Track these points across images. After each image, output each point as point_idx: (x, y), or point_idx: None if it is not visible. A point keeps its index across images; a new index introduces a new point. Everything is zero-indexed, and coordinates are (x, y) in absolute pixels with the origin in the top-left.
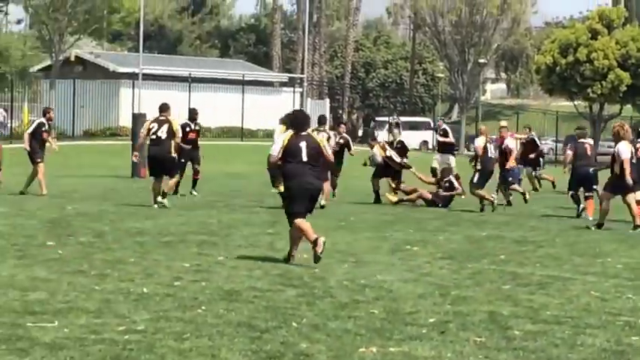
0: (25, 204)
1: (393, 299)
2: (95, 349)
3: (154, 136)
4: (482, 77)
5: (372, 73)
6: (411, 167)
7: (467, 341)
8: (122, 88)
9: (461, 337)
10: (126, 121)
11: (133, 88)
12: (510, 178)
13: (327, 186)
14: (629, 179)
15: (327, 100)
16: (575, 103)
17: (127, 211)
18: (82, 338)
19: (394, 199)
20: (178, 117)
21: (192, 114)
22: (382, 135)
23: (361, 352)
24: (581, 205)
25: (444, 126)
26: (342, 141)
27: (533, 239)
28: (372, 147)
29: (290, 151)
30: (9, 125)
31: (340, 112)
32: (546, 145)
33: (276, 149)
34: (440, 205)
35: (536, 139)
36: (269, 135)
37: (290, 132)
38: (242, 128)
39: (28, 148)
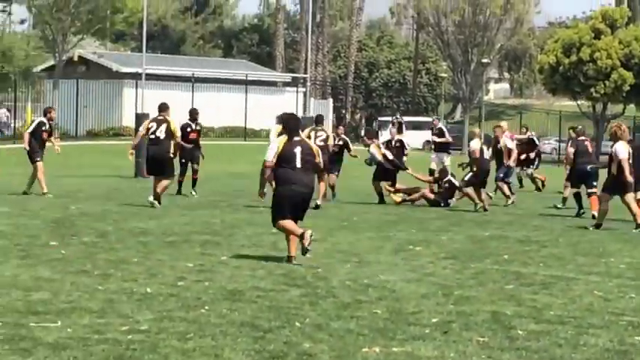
0: (28, 204)
1: (395, 299)
2: (98, 349)
3: (152, 136)
4: (485, 77)
5: (375, 73)
6: (407, 169)
7: (470, 341)
8: (125, 88)
9: (464, 337)
10: (129, 121)
11: (136, 88)
12: (502, 175)
13: (322, 185)
14: (630, 178)
15: (331, 100)
16: (579, 102)
17: (130, 211)
18: (85, 338)
19: (398, 199)
20: (181, 117)
21: (193, 114)
22: (386, 135)
23: (364, 352)
24: (582, 210)
25: (440, 125)
26: (341, 142)
27: (536, 239)
28: (366, 146)
29: (284, 157)
30: (12, 125)
31: (343, 111)
32: (549, 145)
33: (271, 155)
34: (442, 205)
35: (535, 138)
36: None
37: (284, 137)
38: (245, 128)
39: (27, 148)
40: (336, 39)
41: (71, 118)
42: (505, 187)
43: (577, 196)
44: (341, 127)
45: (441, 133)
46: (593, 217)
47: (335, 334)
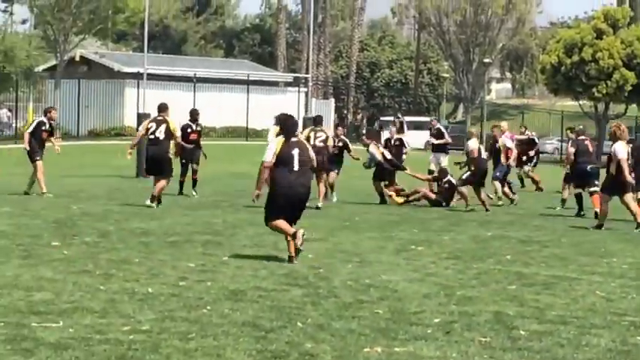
0: (30, 204)
1: (397, 299)
2: (100, 349)
3: (152, 136)
4: (487, 77)
5: (377, 73)
6: (406, 169)
7: (472, 341)
8: (127, 88)
9: (466, 337)
10: (131, 121)
11: (138, 88)
12: (498, 173)
13: (322, 187)
14: (629, 178)
15: (332, 100)
16: (581, 102)
17: (132, 211)
18: (87, 338)
19: (400, 200)
20: (182, 117)
21: (194, 115)
22: (387, 134)
23: (366, 352)
24: (582, 212)
25: (438, 125)
26: (340, 144)
27: (538, 239)
28: (365, 145)
29: (282, 159)
30: (14, 125)
31: (345, 112)
32: (551, 144)
33: (269, 155)
34: (443, 205)
35: (535, 138)
36: None
37: (282, 138)
38: (247, 128)
39: (27, 147)
40: (338, 39)
41: (73, 118)
42: (498, 186)
43: (578, 197)
44: (340, 129)
45: (439, 134)
46: (596, 214)
47: (337, 334)
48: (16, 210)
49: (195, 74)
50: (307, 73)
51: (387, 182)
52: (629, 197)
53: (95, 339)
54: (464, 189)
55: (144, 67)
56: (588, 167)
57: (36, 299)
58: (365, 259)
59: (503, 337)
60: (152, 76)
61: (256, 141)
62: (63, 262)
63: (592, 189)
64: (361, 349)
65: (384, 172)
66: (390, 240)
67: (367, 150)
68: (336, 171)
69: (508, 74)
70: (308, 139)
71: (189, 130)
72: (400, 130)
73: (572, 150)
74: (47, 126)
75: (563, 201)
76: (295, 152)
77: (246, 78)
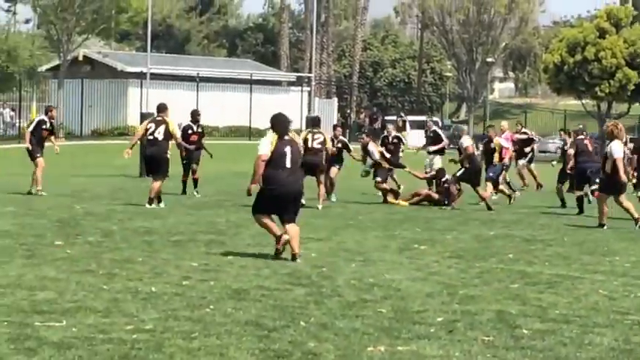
0: (33, 203)
1: (401, 298)
2: (103, 348)
3: (150, 137)
4: (490, 76)
5: (380, 72)
6: (405, 167)
7: (475, 340)
8: (130, 88)
9: (469, 336)
10: (134, 121)
11: (141, 87)
12: (491, 174)
13: (322, 188)
14: (624, 178)
15: (335, 100)
16: (583, 101)
17: (135, 210)
18: (90, 337)
19: (405, 203)
20: (185, 116)
21: (195, 115)
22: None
23: (369, 351)
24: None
25: (434, 127)
26: (340, 144)
27: (541, 238)
28: (365, 145)
29: (275, 157)
30: (17, 125)
31: (348, 111)
32: (554, 143)
33: (265, 148)
34: (445, 203)
35: (534, 136)
36: None
37: (275, 135)
38: (250, 127)
39: (29, 146)
40: (341, 38)
41: (76, 118)
42: (490, 187)
43: (579, 200)
44: (338, 129)
45: (436, 137)
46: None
47: (340, 333)
48: (20, 209)
49: (198, 74)
50: (310, 72)
51: (379, 179)
52: (622, 197)
53: (98, 338)
54: (453, 187)
55: (147, 67)
56: (588, 171)
57: (39, 298)
58: (368, 258)
59: (505, 336)
60: (155, 76)
61: (259, 140)
62: (66, 261)
63: (593, 187)
64: (364, 348)
65: (382, 172)
66: (394, 239)
67: (364, 150)
68: (337, 167)
69: (511, 73)
70: (306, 141)
71: (189, 131)
72: (402, 129)
73: (572, 151)
74: (48, 125)
75: (563, 202)
76: (288, 150)
77: (249, 77)
